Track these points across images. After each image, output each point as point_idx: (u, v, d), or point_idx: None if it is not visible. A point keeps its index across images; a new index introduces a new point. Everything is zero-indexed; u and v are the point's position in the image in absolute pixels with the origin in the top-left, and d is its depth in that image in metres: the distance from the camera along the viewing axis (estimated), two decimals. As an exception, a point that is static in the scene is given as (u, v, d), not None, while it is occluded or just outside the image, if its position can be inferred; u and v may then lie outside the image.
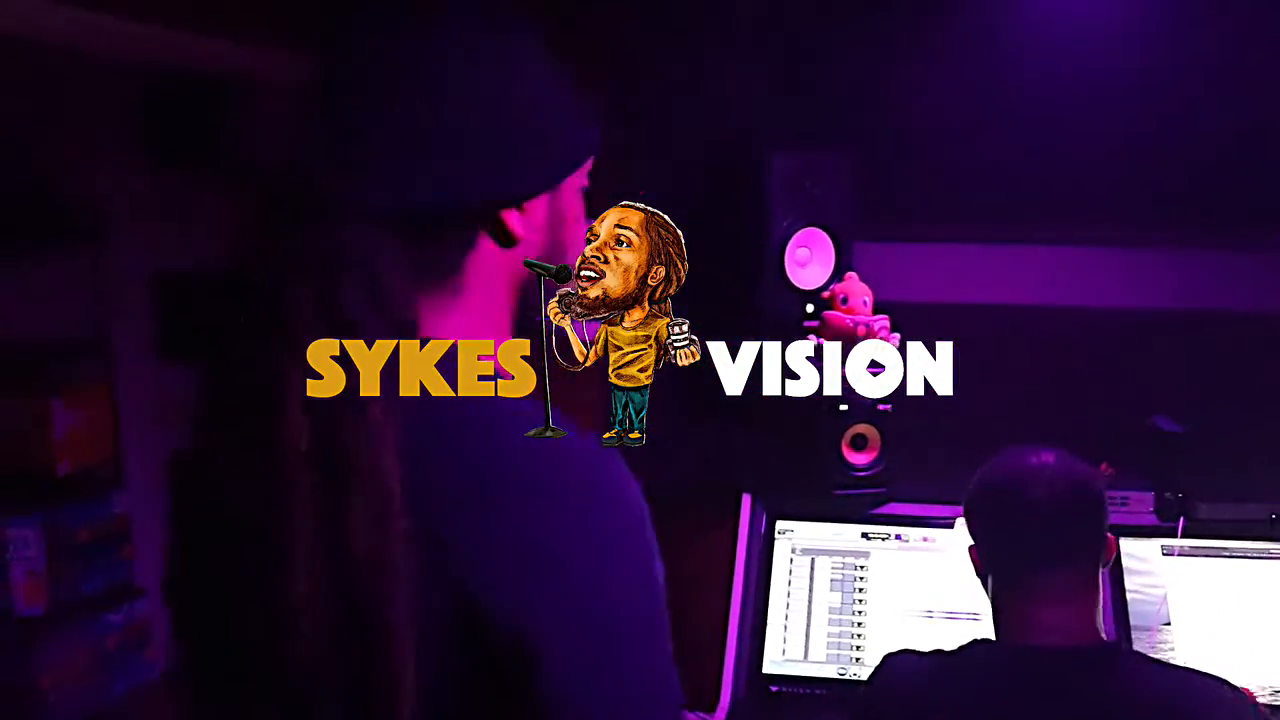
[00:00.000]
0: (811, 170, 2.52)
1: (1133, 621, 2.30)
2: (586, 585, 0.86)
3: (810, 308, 2.52)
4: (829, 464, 2.42)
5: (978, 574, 1.77)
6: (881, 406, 2.43)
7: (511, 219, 0.98)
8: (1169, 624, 2.31)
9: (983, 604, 1.76)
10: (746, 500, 2.50)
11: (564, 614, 0.85)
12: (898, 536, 2.45)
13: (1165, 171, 2.71)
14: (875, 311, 2.44)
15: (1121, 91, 2.70)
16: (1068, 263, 2.81)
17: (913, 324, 2.48)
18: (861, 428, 2.44)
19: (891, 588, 2.39)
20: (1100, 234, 2.77)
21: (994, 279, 2.81)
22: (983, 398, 2.77)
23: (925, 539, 2.45)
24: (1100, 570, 1.65)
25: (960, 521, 2.36)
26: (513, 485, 0.87)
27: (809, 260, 2.53)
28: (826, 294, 2.48)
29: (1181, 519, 2.41)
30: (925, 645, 1.78)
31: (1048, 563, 1.62)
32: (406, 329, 0.89)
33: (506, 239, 0.98)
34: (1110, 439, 2.49)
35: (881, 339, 2.39)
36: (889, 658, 1.75)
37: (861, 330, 2.40)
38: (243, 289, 0.91)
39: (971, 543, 1.76)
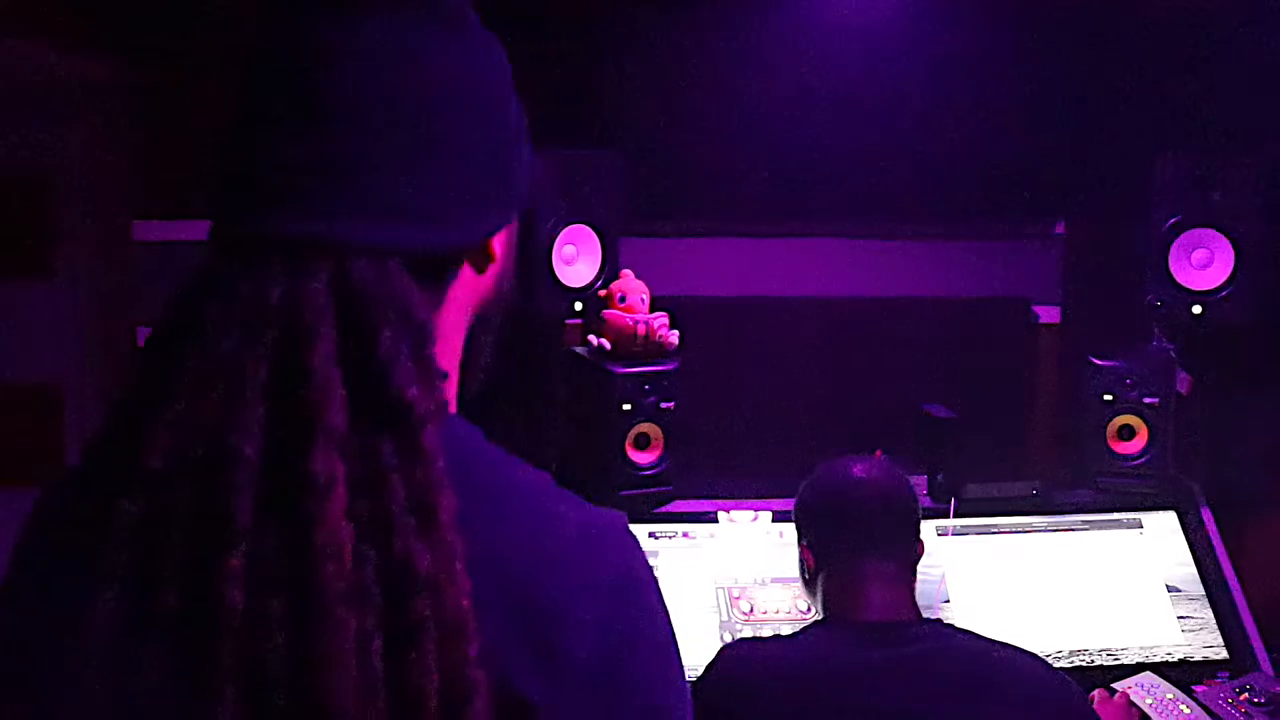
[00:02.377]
0: (578, 168, 2.49)
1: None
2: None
3: (579, 306, 2.49)
4: (613, 464, 2.39)
5: (807, 571, 1.95)
6: (664, 405, 2.41)
7: (497, 243, 0.93)
8: (948, 601, 2.39)
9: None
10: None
11: None
12: (685, 534, 2.44)
13: (927, 168, 2.82)
14: (652, 308, 2.43)
15: (884, 93, 2.79)
16: (837, 255, 2.88)
17: (690, 319, 2.49)
18: (644, 427, 2.41)
19: (682, 586, 2.38)
20: (866, 228, 2.85)
21: (768, 272, 2.85)
22: (759, 390, 2.84)
23: (713, 535, 2.45)
24: (915, 563, 1.91)
25: (724, 515, 2.42)
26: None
27: (575, 258, 2.50)
28: (603, 293, 2.45)
29: (953, 500, 2.50)
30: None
31: (874, 556, 1.85)
32: (441, 381, 0.81)
33: (489, 261, 0.93)
34: (883, 426, 2.57)
35: (661, 336, 2.41)
36: (726, 649, 1.83)
37: (641, 329, 2.38)
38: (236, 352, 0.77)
39: (804, 543, 1.96)
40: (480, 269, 0.91)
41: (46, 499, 0.86)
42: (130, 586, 0.74)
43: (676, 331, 2.42)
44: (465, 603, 0.74)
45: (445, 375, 0.82)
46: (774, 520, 2.48)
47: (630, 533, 0.88)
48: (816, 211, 2.82)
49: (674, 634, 0.89)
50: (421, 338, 0.80)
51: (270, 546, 0.72)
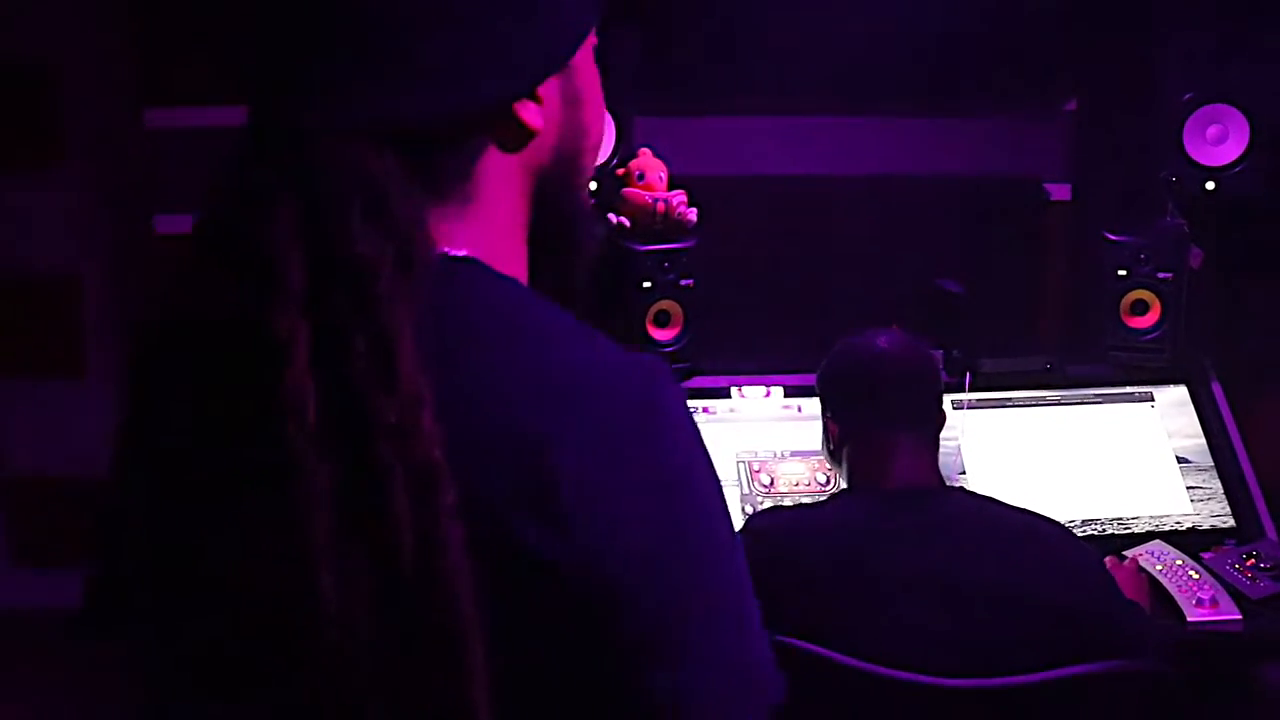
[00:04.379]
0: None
1: (930, 474, 2.41)
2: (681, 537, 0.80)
3: (594, 185, 2.49)
4: (633, 341, 2.42)
5: (831, 442, 1.99)
6: (684, 282, 2.43)
7: (527, 111, 0.85)
8: (964, 473, 2.44)
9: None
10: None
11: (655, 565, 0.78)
12: (705, 409, 2.48)
13: (939, 46, 2.80)
14: (670, 187, 2.44)
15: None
16: (851, 133, 2.88)
17: (708, 198, 2.50)
18: (664, 304, 2.44)
19: (703, 460, 2.42)
20: (882, 105, 2.84)
21: (781, 151, 2.85)
22: (775, 267, 2.86)
23: (733, 410, 2.49)
24: (938, 432, 1.95)
25: (735, 390, 2.46)
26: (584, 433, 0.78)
27: (591, 138, 2.48)
28: (621, 171, 2.45)
29: (968, 374, 2.53)
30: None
31: (899, 426, 1.89)
32: (414, 235, 0.79)
33: (522, 135, 0.86)
34: (898, 302, 2.59)
35: (680, 213, 2.42)
36: (754, 518, 1.90)
37: (661, 207, 2.39)
38: (215, 231, 0.79)
39: (829, 415, 2.00)
40: (509, 144, 0.86)
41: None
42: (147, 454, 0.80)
43: (695, 209, 2.44)
44: (435, 452, 0.74)
45: (416, 227, 0.80)
46: (786, 395, 2.52)
47: (659, 373, 0.83)
48: (829, 90, 2.81)
49: (704, 489, 0.83)
50: (377, 197, 0.78)
51: (245, 404, 0.75)
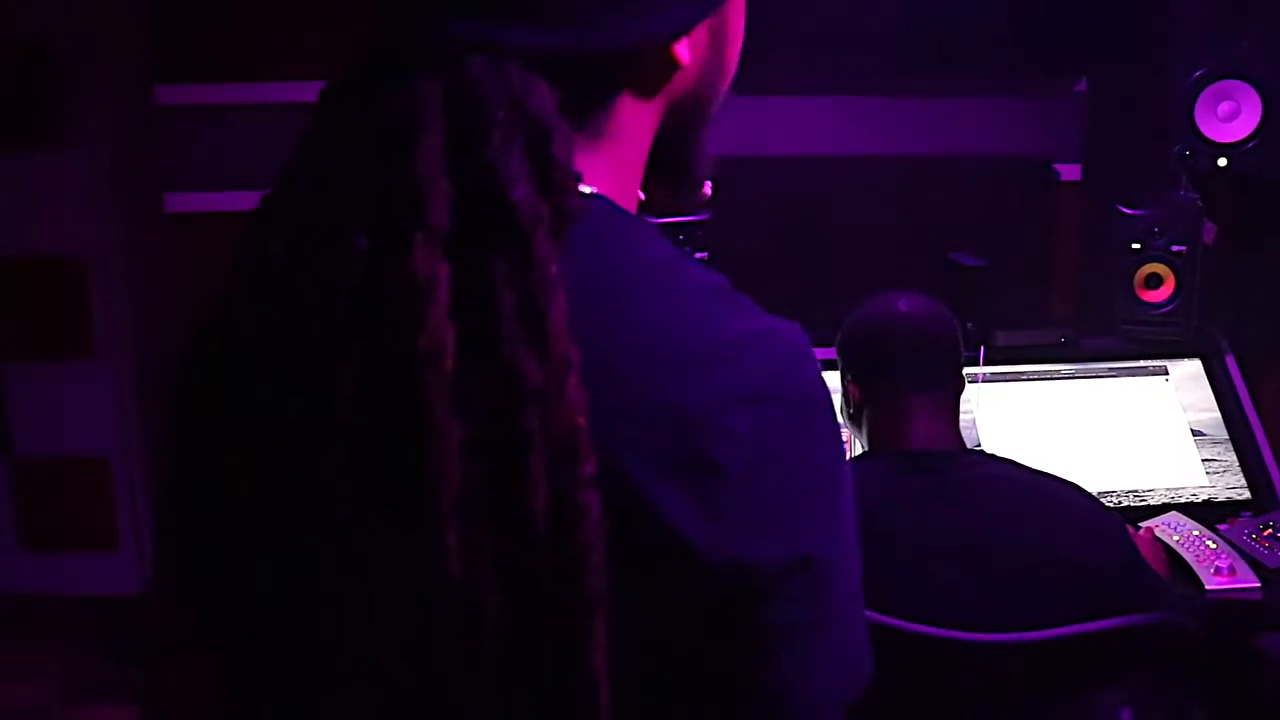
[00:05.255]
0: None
1: (946, 446, 2.41)
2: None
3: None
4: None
5: (851, 405, 1.99)
6: (698, 255, 2.43)
7: (680, 48, 0.80)
8: (979, 446, 2.43)
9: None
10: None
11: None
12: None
13: (949, 28, 2.81)
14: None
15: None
16: (861, 113, 2.88)
17: (722, 175, 2.49)
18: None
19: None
20: (894, 85, 2.85)
21: (796, 131, 2.86)
22: (790, 242, 2.86)
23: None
24: (958, 396, 1.94)
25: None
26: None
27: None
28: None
29: (982, 347, 2.53)
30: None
31: (920, 388, 1.89)
32: (571, 183, 0.72)
33: (670, 70, 0.80)
34: (914, 275, 2.59)
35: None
36: None
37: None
38: (336, 156, 0.72)
39: (849, 378, 1.99)
40: (654, 80, 0.80)
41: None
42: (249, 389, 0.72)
43: (710, 183, 2.43)
44: (579, 419, 0.68)
45: (577, 177, 0.72)
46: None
47: (804, 346, 0.77)
48: (843, 70, 2.82)
49: (844, 472, 0.78)
50: (539, 136, 0.71)
51: (376, 349, 0.68)
